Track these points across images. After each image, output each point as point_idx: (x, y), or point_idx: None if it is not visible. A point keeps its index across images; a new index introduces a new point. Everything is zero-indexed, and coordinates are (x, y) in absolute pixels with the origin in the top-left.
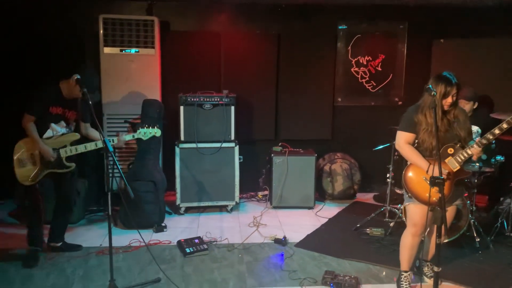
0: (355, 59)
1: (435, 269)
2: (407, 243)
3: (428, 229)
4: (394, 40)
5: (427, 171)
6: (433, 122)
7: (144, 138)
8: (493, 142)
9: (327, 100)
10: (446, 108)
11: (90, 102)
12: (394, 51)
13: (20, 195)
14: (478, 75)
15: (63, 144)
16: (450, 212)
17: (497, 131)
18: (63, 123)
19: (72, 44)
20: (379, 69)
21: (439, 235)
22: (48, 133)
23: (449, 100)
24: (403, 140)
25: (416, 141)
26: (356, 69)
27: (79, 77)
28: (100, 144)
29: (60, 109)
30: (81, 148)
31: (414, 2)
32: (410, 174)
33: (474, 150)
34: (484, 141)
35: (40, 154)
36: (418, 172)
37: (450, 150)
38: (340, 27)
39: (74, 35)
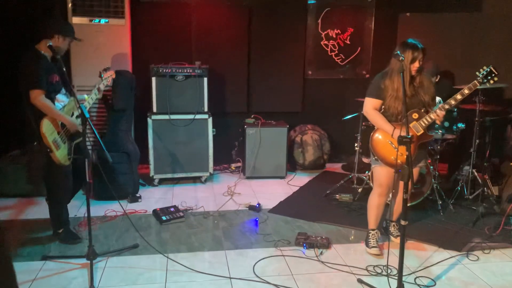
0: (325, 32)
1: (402, 222)
2: (374, 203)
3: (393, 191)
4: (362, 13)
5: (392, 135)
6: (401, 86)
7: (105, 83)
8: (455, 110)
9: (298, 73)
10: (413, 73)
11: (64, 69)
12: (362, 25)
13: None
14: (442, 49)
15: (71, 111)
16: (414, 173)
17: (459, 96)
18: (63, 90)
19: (39, 14)
20: (348, 42)
21: (406, 191)
22: (57, 106)
23: (416, 65)
24: (370, 106)
25: (383, 107)
26: (326, 42)
27: (51, 43)
28: (88, 104)
29: (57, 76)
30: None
31: None
32: (376, 138)
33: (437, 114)
34: (446, 106)
35: (63, 129)
36: (384, 136)
37: (415, 115)
38: (310, 1)
39: (41, 5)
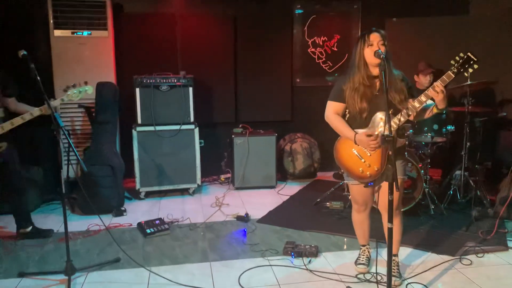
0: (312, 40)
1: (388, 225)
2: (355, 219)
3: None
4: (348, 20)
5: (354, 141)
6: (381, 77)
7: (75, 99)
8: (444, 112)
9: (286, 81)
10: (372, 60)
11: (39, 78)
12: (349, 31)
13: None
14: (429, 52)
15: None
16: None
17: (431, 91)
18: None
19: (21, 28)
20: (335, 49)
21: (390, 192)
22: None
23: (374, 48)
24: (330, 110)
25: (347, 111)
26: (313, 49)
27: (25, 52)
28: (36, 113)
29: None
30: (18, 121)
31: None
32: (339, 147)
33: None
34: (417, 104)
35: None
36: (347, 145)
37: (381, 118)
38: (296, 12)
39: (23, 18)
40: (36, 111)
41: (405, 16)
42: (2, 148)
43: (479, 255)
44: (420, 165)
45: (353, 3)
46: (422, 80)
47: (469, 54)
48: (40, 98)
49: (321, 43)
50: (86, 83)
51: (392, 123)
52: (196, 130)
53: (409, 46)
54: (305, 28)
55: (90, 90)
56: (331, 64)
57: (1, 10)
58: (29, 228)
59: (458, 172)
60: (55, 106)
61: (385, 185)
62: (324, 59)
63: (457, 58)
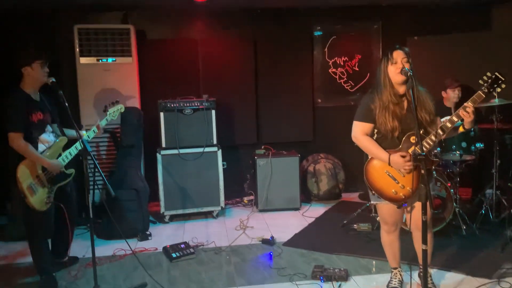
0: (332, 60)
1: (423, 247)
2: (384, 241)
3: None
4: (369, 39)
5: (389, 163)
6: (410, 95)
7: (114, 118)
8: (472, 129)
9: (307, 101)
10: (398, 79)
11: (67, 104)
12: (370, 51)
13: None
14: (452, 69)
15: (58, 152)
16: (419, 208)
17: (462, 111)
18: (49, 128)
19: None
20: (356, 69)
21: (424, 212)
22: (41, 147)
23: (399, 65)
24: (358, 131)
25: (376, 131)
26: (334, 70)
27: (54, 79)
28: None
29: (40, 114)
30: (73, 151)
31: (386, 2)
32: (371, 168)
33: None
34: (449, 124)
35: (44, 173)
36: (380, 166)
37: (413, 139)
38: (315, 33)
39: (50, 47)
40: (91, 133)
41: (426, 34)
42: (73, 174)
43: None
44: (449, 184)
45: (373, 23)
46: (451, 95)
47: (496, 74)
48: (65, 123)
49: (342, 63)
50: (117, 102)
51: (425, 143)
52: (219, 152)
53: (431, 64)
54: (325, 49)
55: (123, 109)
56: (352, 84)
57: (30, 39)
58: (66, 259)
59: (489, 190)
60: (103, 126)
61: (417, 205)
62: (345, 79)
63: (485, 77)
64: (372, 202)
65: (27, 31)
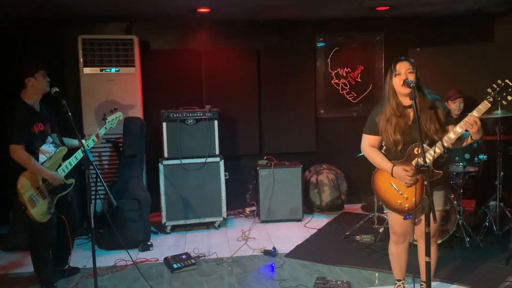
0: (335, 71)
1: (426, 259)
2: (392, 252)
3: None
4: (372, 51)
5: (391, 174)
6: (414, 110)
7: (113, 126)
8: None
9: (310, 112)
10: (402, 90)
11: (70, 114)
12: (372, 62)
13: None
14: (454, 81)
15: (58, 163)
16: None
17: (459, 129)
18: (49, 139)
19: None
20: (359, 80)
21: (427, 224)
22: (41, 158)
23: (402, 77)
24: (366, 143)
25: (383, 143)
26: (337, 81)
27: (58, 89)
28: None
29: (41, 125)
30: (73, 161)
31: (389, 14)
32: (377, 179)
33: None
34: (452, 136)
35: (45, 184)
36: (385, 177)
37: (417, 150)
38: (318, 44)
39: (54, 57)
40: (90, 142)
41: (429, 45)
42: (73, 184)
43: None
44: (452, 196)
45: (375, 34)
46: (452, 107)
47: (507, 81)
48: (67, 132)
49: (344, 74)
50: (116, 109)
51: (428, 155)
52: (221, 163)
53: (434, 76)
54: (328, 60)
55: (121, 116)
56: (355, 95)
57: (34, 48)
58: (66, 267)
59: (493, 202)
60: (102, 135)
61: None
62: (348, 90)
63: (494, 85)
64: (385, 211)
65: (31, 41)
